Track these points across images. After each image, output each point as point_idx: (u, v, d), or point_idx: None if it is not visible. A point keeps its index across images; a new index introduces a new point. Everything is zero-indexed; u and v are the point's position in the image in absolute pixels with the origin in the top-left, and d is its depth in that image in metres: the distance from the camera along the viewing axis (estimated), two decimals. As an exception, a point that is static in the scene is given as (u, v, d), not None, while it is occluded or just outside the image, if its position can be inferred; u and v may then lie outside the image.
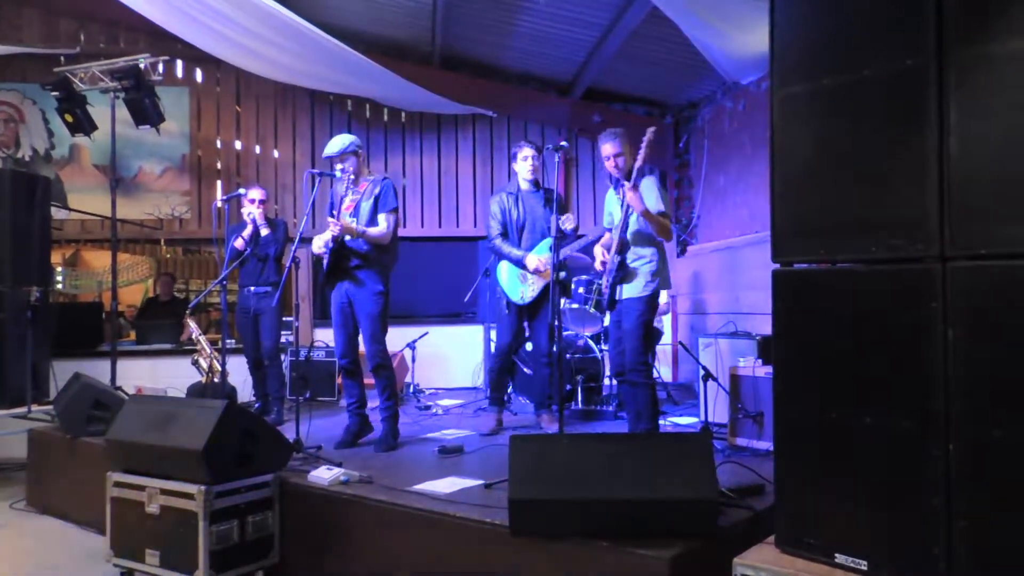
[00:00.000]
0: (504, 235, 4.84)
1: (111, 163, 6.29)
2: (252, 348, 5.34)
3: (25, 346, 5.47)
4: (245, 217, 5.28)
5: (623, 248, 3.93)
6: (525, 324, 4.94)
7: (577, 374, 5.50)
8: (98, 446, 4.28)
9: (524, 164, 4.84)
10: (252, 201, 5.24)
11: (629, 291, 3.96)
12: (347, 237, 4.31)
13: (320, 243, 4.34)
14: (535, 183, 4.89)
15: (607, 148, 4.00)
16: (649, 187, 3.91)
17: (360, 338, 4.47)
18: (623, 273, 3.94)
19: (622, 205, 3.91)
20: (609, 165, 4.03)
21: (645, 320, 3.94)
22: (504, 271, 4.90)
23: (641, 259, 3.96)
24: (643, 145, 3.72)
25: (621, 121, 7.72)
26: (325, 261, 4.37)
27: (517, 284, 4.81)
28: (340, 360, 4.50)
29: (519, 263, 4.75)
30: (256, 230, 5.27)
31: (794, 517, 2.39)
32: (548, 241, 4.75)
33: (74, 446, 4.58)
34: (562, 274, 4.60)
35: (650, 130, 3.72)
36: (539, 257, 4.71)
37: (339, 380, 6.35)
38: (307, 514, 3.49)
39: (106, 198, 6.29)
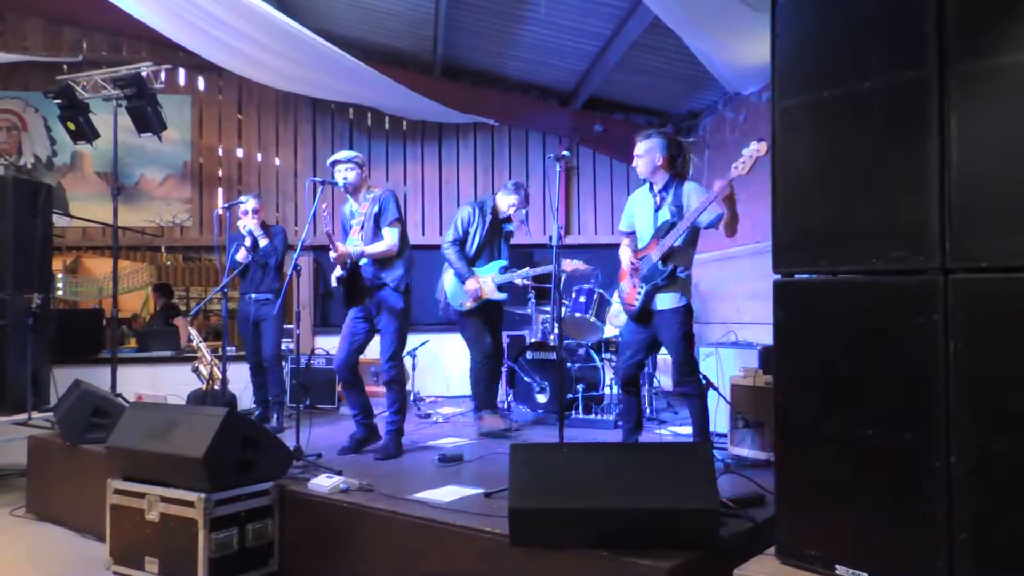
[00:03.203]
0: (462, 244, 5.10)
1: (113, 171, 6.31)
2: (253, 354, 5.35)
3: (26, 353, 5.46)
4: (241, 230, 5.29)
5: (668, 257, 3.81)
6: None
7: (577, 383, 5.50)
8: (98, 453, 4.28)
9: (509, 208, 5.13)
10: (245, 213, 5.27)
11: (666, 302, 3.85)
12: (362, 261, 4.33)
13: (334, 278, 4.39)
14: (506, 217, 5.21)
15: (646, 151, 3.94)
16: (700, 192, 3.84)
17: (371, 351, 4.50)
18: (670, 282, 3.83)
19: (656, 211, 3.88)
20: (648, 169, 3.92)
21: (687, 330, 3.85)
22: (450, 277, 5.15)
23: (682, 268, 3.86)
24: (744, 160, 3.62)
25: (622, 130, 7.75)
26: (340, 291, 4.41)
27: (460, 293, 5.08)
28: (339, 372, 4.50)
29: (461, 277, 5.02)
30: (255, 241, 5.27)
31: (795, 528, 2.39)
32: (500, 263, 5.10)
33: (74, 453, 4.57)
34: (503, 295, 5.09)
35: (757, 146, 3.54)
36: (479, 282, 5.00)
37: (339, 388, 6.37)
38: (307, 522, 3.48)
39: (108, 205, 6.30)
